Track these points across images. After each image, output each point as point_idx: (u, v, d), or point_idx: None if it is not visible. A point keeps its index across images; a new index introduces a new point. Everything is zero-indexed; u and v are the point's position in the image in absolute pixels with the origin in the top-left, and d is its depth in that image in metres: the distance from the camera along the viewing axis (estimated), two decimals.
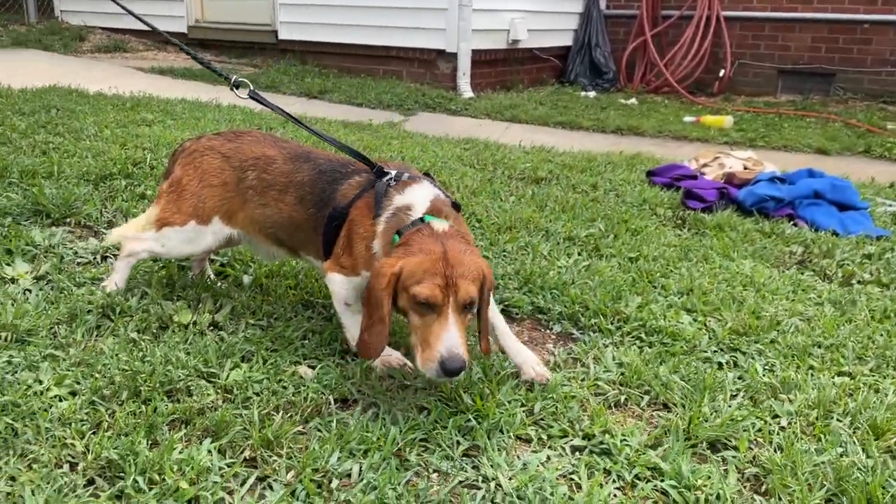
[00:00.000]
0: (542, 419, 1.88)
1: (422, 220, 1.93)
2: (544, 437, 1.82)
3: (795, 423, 1.96)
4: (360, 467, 1.59)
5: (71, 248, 2.60)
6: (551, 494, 1.59)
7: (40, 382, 1.77)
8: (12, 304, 2.09)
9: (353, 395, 1.91)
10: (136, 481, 1.47)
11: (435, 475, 1.66)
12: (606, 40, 9.36)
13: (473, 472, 1.66)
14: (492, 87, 8.21)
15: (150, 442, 1.59)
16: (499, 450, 1.73)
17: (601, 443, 1.80)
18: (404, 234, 1.90)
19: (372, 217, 2.01)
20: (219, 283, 2.43)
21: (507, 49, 8.24)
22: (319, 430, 1.72)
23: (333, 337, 2.16)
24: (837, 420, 1.97)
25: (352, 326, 2.08)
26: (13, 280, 2.30)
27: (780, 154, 5.98)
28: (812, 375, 2.20)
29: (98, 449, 1.53)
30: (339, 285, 2.06)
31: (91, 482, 1.49)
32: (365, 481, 1.55)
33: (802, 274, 3.11)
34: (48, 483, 1.45)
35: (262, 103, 2.33)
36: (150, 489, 1.46)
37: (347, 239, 2.05)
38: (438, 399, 1.91)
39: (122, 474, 1.49)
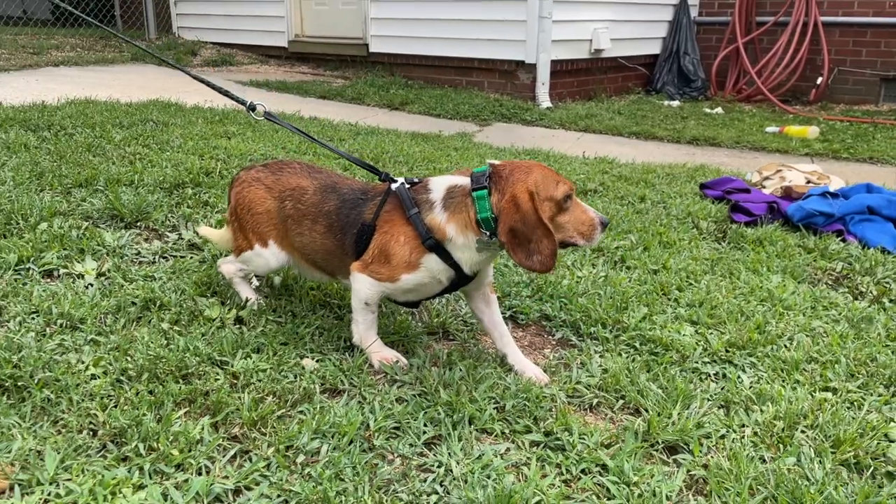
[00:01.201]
0: (510, 416, 2.05)
1: (478, 174, 2.14)
2: (507, 431, 1.99)
3: (760, 432, 2.03)
4: (328, 447, 1.82)
5: (135, 249, 2.97)
6: (496, 481, 1.76)
7: (82, 363, 2.10)
8: (73, 296, 2.46)
9: (345, 385, 2.13)
10: (137, 447, 1.75)
11: (398, 459, 1.86)
12: (696, 48, 9.24)
13: (432, 458, 1.85)
14: (572, 97, 8.30)
15: (156, 416, 1.87)
16: (460, 440, 1.92)
17: (558, 439, 1.95)
18: (492, 182, 2.10)
19: (405, 219, 2.17)
20: (254, 283, 2.72)
21: (589, 58, 8.31)
22: (303, 414, 1.96)
23: (339, 335, 2.40)
24: (802, 432, 2.03)
25: (362, 322, 2.30)
26: (80, 275, 2.68)
27: (864, 167, 5.79)
28: (794, 389, 2.25)
29: (113, 419, 1.83)
30: (367, 286, 2.23)
31: (104, 446, 1.78)
32: (328, 459, 1.77)
33: (833, 290, 3.10)
34: (69, 444, 1.76)
35: (277, 123, 2.61)
36: (149, 455, 1.75)
37: (382, 249, 2.19)
38: (418, 394, 2.11)
39: (128, 441, 1.78)
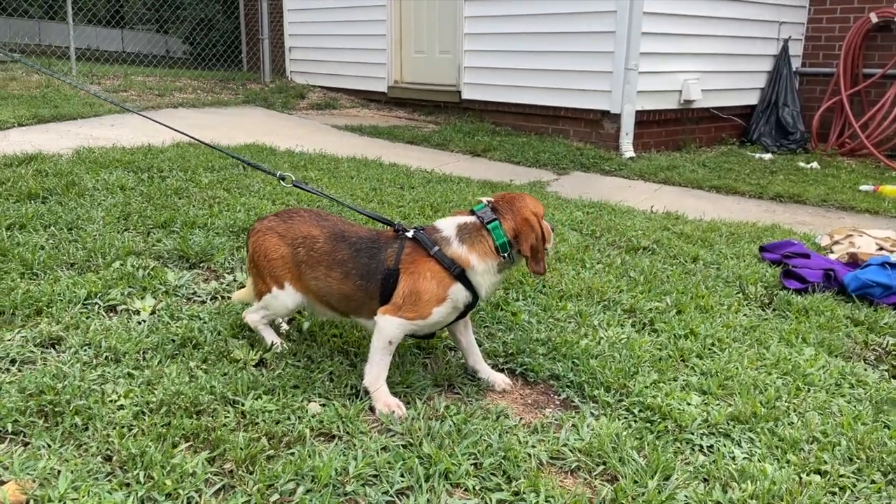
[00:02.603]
0: (484, 472, 2.16)
1: (479, 210, 2.57)
2: (479, 487, 2.10)
3: None
4: (303, 489, 2.00)
5: (192, 289, 3.29)
6: None
7: (116, 393, 2.38)
8: (123, 331, 2.77)
9: (339, 431, 2.31)
10: (138, 475, 1.99)
11: None
12: (797, 99, 8.98)
13: None
14: (659, 147, 8.25)
15: (160, 447, 2.11)
16: (429, 492, 2.05)
17: (523, 500, 2.04)
18: (499, 212, 2.53)
19: (428, 256, 2.48)
20: (283, 327, 2.96)
21: (678, 109, 8.26)
22: (292, 455, 2.15)
23: (348, 382, 2.58)
24: None
25: (377, 365, 2.50)
26: (137, 312, 3.00)
27: None
28: (782, 469, 2.24)
29: (125, 447, 2.09)
30: (396, 327, 2.46)
31: (112, 472, 2.03)
32: (299, 500, 1.95)
33: (871, 368, 3.02)
34: (84, 466, 2.02)
35: (304, 190, 2.87)
36: (147, 482, 1.98)
37: (412, 289, 2.45)
38: (404, 444, 2.26)
39: (131, 468, 2.02)
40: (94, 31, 17.91)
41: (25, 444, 2.13)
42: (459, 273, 2.48)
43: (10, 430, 2.17)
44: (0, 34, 15.75)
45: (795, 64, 9.20)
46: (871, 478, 2.23)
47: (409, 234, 2.54)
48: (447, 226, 2.56)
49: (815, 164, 7.80)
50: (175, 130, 3.39)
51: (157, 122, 3.47)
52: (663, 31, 7.69)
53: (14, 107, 7.31)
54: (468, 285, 2.49)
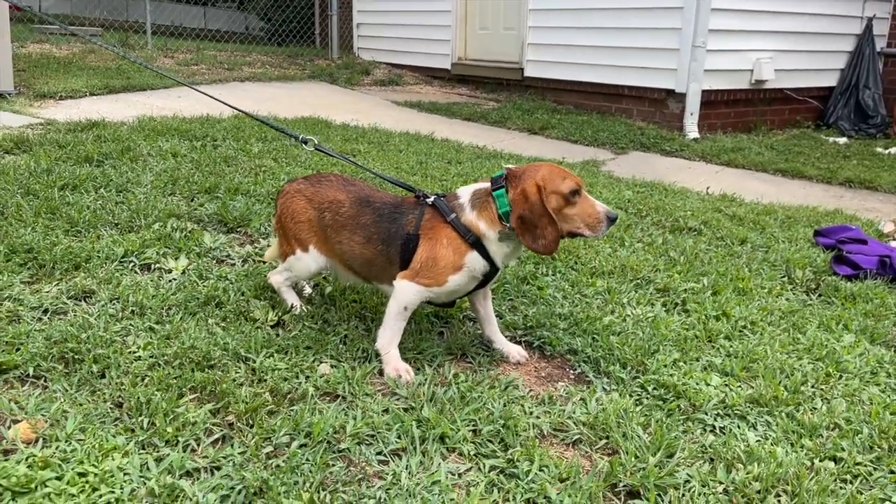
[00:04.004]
0: (481, 439, 2.15)
1: (497, 177, 2.48)
2: (474, 453, 2.09)
3: (731, 491, 1.98)
4: (297, 443, 2.03)
5: (226, 252, 3.37)
6: (438, 494, 1.88)
7: (136, 345, 2.47)
8: (152, 288, 2.87)
9: (344, 392, 2.33)
10: (142, 421, 2.06)
11: (364, 464, 2.03)
12: (879, 82, 8.52)
13: (386, 467, 2.00)
14: (726, 129, 7.96)
15: (166, 397, 2.18)
16: (424, 454, 2.05)
17: (515, 467, 2.02)
18: (507, 182, 2.43)
19: (445, 223, 2.47)
20: (307, 291, 3.01)
21: (749, 89, 7.95)
22: (293, 412, 2.18)
23: (361, 346, 2.60)
24: (777, 496, 1.95)
25: (391, 329, 2.51)
26: (169, 271, 3.10)
27: None
28: (795, 454, 2.14)
29: (134, 395, 2.16)
30: (413, 292, 2.47)
31: (119, 417, 2.11)
32: (289, 454, 1.98)
33: None
34: (94, 410, 2.10)
35: (326, 153, 2.88)
36: (149, 429, 2.05)
37: (430, 254, 2.46)
38: (406, 408, 2.27)
39: (136, 415, 2.10)
40: (179, 7, 18.46)
41: (44, 388, 2.23)
42: (475, 241, 2.45)
43: (31, 373, 2.27)
44: (90, 9, 16.39)
45: (879, 44, 8.71)
46: (891, 468, 2.11)
47: (430, 200, 2.54)
48: (465, 193, 2.54)
49: (893, 150, 7.39)
50: (209, 96, 3.46)
51: (201, 91, 3.56)
52: (735, 6, 7.39)
53: (88, 77, 7.61)
54: (485, 254, 2.47)
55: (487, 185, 2.51)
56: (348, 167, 4.70)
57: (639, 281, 3.40)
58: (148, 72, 8.30)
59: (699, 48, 7.25)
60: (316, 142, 2.94)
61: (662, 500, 1.95)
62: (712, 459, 2.13)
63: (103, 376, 2.29)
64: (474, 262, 2.47)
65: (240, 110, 3.29)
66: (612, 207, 4.54)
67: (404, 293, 2.48)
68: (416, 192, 2.60)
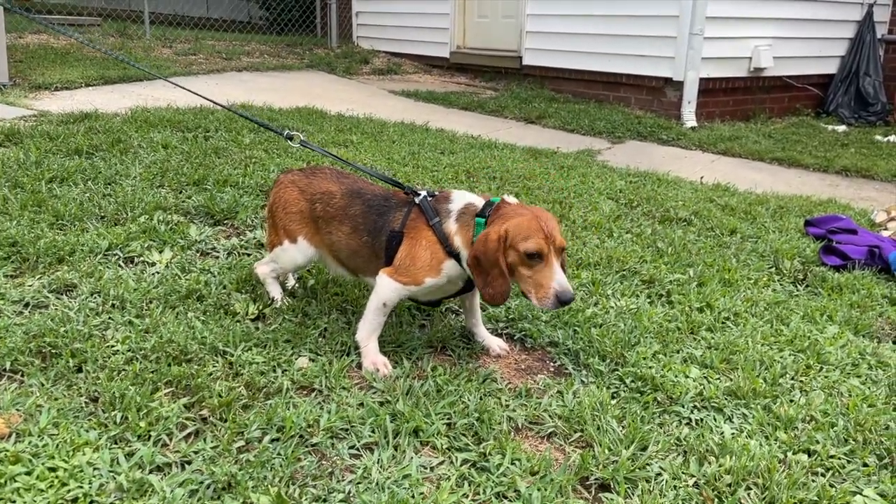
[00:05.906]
0: (455, 433, 2.15)
1: (490, 203, 2.41)
2: (447, 447, 2.10)
3: (702, 484, 1.98)
4: (269, 437, 2.04)
5: (212, 244, 3.37)
6: (408, 488, 1.89)
7: (115, 339, 2.47)
8: (134, 282, 2.87)
9: (321, 386, 2.34)
10: (114, 416, 2.07)
11: (336, 458, 2.03)
12: (879, 69, 8.45)
13: (358, 461, 2.01)
14: (724, 117, 7.92)
15: (140, 391, 2.18)
16: (394, 448, 2.05)
17: (487, 460, 2.03)
18: (490, 214, 2.37)
19: (427, 226, 2.45)
20: (290, 282, 3.01)
21: (748, 77, 7.89)
22: (266, 406, 2.19)
23: (340, 339, 2.60)
24: (747, 489, 1.95)
25: (371, 323, 2.51)
26: (153, 264, 3.10)
27: None
28: (768, 447, 2.14)
29: (109, 389, 2.17)
30: (391, 289, 2.47)
31: (93, 412, 2.12)
32: (261, 448, 1.99)
33: None
34: (68, 405, 2.11)
35: (311, 149, 2.86)
36: (122, 423, 2.06)
37: (409, 254, 2.46)
38: (381, 402, 2.27)
39: (108, 409, 2.10)
40: None
41: (21, 383, 2.24)
42: (451, 250, 2.42)
43: (7, 367, 2.28)
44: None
45: (880, 31, 8.64)
46: (864, 460, 2.11)
47: (418, 199, 2.51)
48: (458, 200, 2.48)
49: (892, 138, 7.34)
50: (191, 92, 3.45)
51: (178, 85, 3.54)
52: None
53: (85, 68, 7.61)
54: (463, 266, 2.43)
55: (480, 202, 2.46)
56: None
57: (625, 272, 3.39)
58: (146, 63, 8.29)
59: (696, 36, 7.20)
60: (302, 137, 2.93)
61: (633, 494, 1.95)
62: (686, 452, 2.13)
63: (80, 371, 2.30)
64: (451, 269, 2.44)
65: (224, 105, 3.28)
66: (604, 198, 4.52)
67: (384, 289, 2.48)
68: (405, 189, 2.59)
